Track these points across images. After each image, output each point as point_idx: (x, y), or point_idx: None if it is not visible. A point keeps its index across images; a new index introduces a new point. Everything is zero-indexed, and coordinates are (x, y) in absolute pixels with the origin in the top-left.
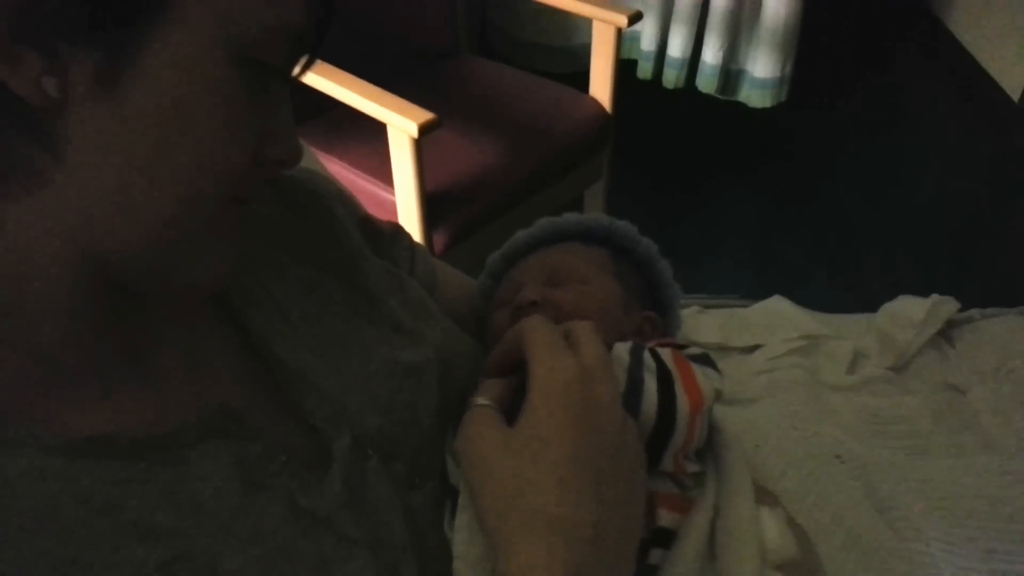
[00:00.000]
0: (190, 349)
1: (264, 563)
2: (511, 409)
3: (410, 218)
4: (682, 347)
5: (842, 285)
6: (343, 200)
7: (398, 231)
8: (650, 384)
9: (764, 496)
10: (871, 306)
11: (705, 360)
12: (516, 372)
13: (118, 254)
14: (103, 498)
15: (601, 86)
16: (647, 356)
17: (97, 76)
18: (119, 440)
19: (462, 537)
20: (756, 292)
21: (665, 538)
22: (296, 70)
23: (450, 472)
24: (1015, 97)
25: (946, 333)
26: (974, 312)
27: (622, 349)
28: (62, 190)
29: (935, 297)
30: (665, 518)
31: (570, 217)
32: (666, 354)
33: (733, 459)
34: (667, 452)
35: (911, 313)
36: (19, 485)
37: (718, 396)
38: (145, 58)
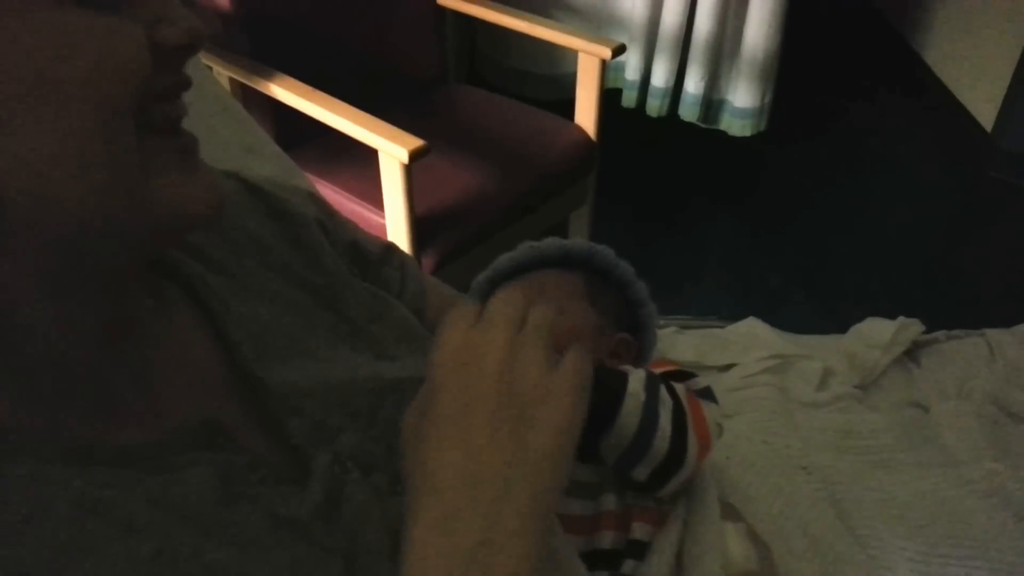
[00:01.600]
0: (179, 367)
1: (244, 561)
2: None
3: (400, 241)
4: (686, 375)
5: (818, 308)
6: (332, 221)
7: (389, 250)
8: (664, 422)
9: (729, 512)
10: (845, 329)
11: (707, 394)
12: None
13: (89, 237)
14: (94, 498)
15: (586, 114)
16: (663, 392)
17: None
18: (108, 448)
19: None
20: (735, 314)
21: (638, 550)
22: None
23: None
24: (987, 127)
25: (912, 353)
26: (939, 334)
27: (637, 384)
28: (11, 226)
29: (901, 319)
30: (639, 531)
31: (551, 242)
32: (680, 391)
33: (703, 477)
34: (670, 485)
35: (878, 334)
36: (16, 487)
37: (720, 432)
38: None
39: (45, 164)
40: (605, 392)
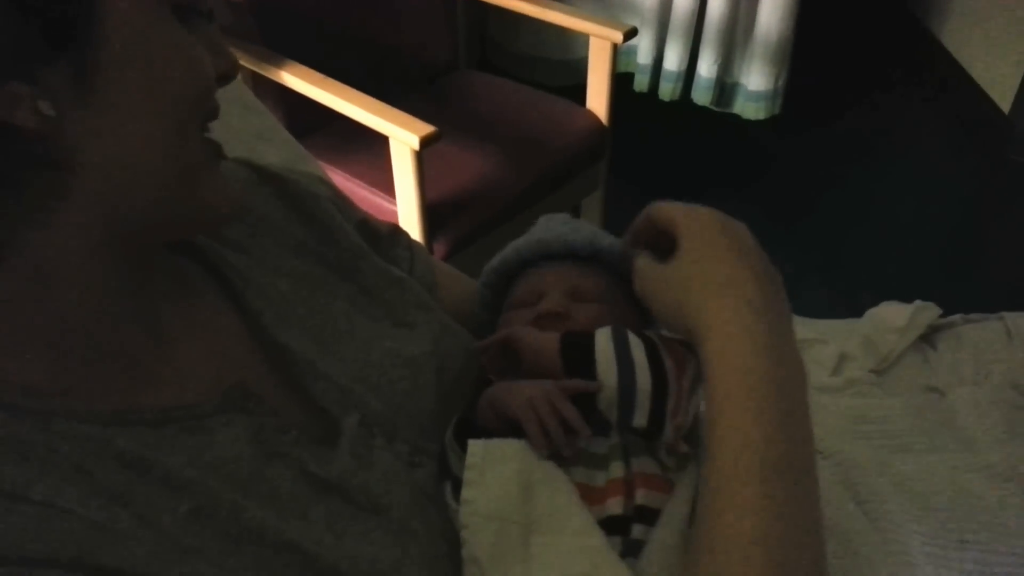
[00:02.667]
0: (208, 335)
1: (281, 518)
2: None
3: (411, 228)
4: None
5: (833, 293)
6: (341, 202)
7: (396, 231)
8: (639, 356)
9: None
10: (861, 314)
11: (687, 347)
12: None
13: (143, 214)
14: (135, 456)
15: (598, 99)
16: (631, 335)
17: (75, 79)
18: (145, 411)
19: (469, 508)
20: None
21: (646, 516)
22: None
23: (452, 462)
24: (1005, 109)
25: (929, 337)
26: (956, 318)
27: (603, 337)
28: (84, 191)
29: (917, 303)
30: (643, 497)
31: (557, 237)
32: (652, 333)
33: None
34: (667, 417)
35: (894, 319)
36: (59, 447)
37: (701, 378)
38: (103, 46)
39: (134, 146)
40: (577, 355)
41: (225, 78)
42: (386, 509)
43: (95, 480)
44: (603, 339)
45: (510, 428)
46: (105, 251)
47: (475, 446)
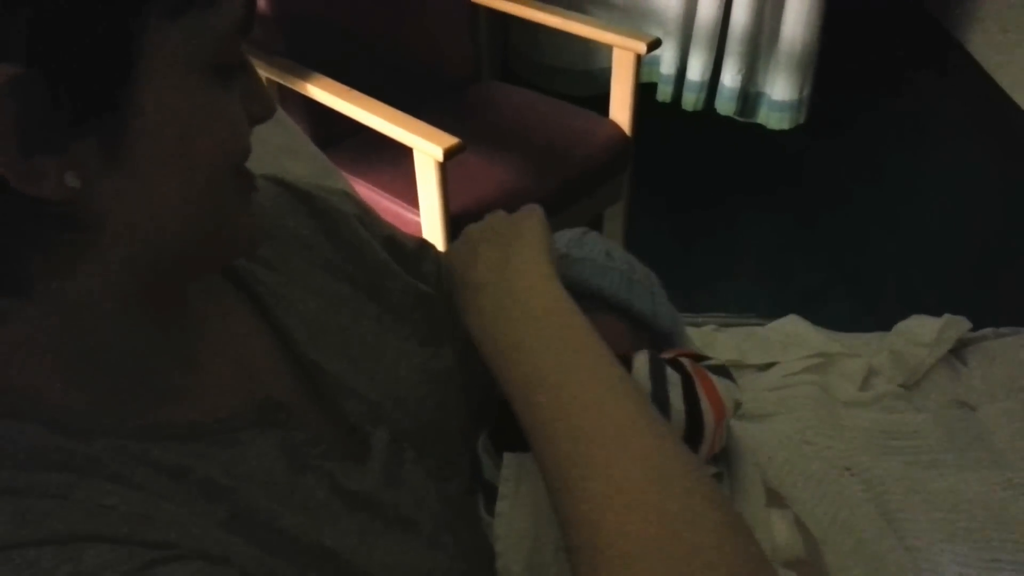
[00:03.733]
0: (239, 352)
1: (315, 527)
2: None
3: (435, 239)
4: (701, 358)
5: (859, 305)
6: (369, 218)
7: (424, 246)
8: (675, 399)
9: (774, 498)
10: (887, 326)
11: (723, 372)
12: None
13: (170, 261)
14: (173, 464)
15: (621, 110)
16: (669, 371)
17: (105, 149)
18: (178, 425)
19: (503, 520)
20: (774, 311)
21: None
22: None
23: (485, 469)
24: None
25: (958, 352)
26: (987, 331)
27: (642, 364)
28: (110, 247)
29: (947, 317)
30: None
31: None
32: (687, 363)
33: (745, 464)
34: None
35: (923, 332)
36: (98, 456)
37: (738, 406)
38: (135, 116)
39: (163, 207)
40: None
41: (261, 121)
42: (417, 524)
43: (136, 482)
44: (641, 373)
45: None
46: (132, 289)
47: (510, 459)
